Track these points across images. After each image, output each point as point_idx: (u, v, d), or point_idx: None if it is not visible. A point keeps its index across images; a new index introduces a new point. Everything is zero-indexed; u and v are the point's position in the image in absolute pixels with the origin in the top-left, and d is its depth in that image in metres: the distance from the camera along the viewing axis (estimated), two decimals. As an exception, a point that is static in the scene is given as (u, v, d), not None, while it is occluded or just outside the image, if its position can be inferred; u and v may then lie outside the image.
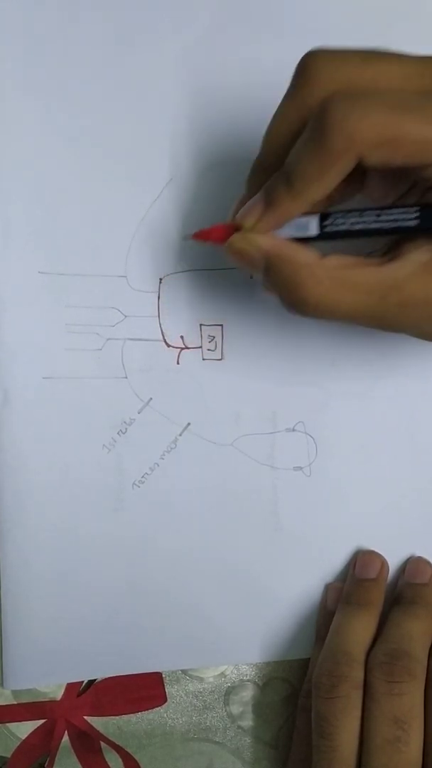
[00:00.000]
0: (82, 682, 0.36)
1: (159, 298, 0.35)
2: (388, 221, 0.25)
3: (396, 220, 0.25)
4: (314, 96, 0.25)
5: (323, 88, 0.24)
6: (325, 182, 0.24)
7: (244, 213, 0.27)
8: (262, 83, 0.36)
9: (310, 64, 0.25)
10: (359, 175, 0.26)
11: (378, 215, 0.25)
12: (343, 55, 0.25)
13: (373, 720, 0.30)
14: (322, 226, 0.26)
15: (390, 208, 0.25)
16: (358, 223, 0.26)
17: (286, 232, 0.27)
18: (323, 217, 0.26)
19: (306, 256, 0.26)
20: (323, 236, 0.26)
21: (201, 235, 0.29)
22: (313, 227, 0.26)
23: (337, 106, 0.23)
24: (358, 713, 0.31)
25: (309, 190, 0.25)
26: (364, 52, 0.25)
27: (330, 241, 0.26)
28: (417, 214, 0.25)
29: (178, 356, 0.36)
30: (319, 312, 0.26)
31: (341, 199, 0.28)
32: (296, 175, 0.25)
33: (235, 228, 0.27)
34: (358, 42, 0.36)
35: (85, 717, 0.36)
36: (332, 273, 0.25)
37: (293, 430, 0.36)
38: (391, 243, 0.27)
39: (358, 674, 0.32)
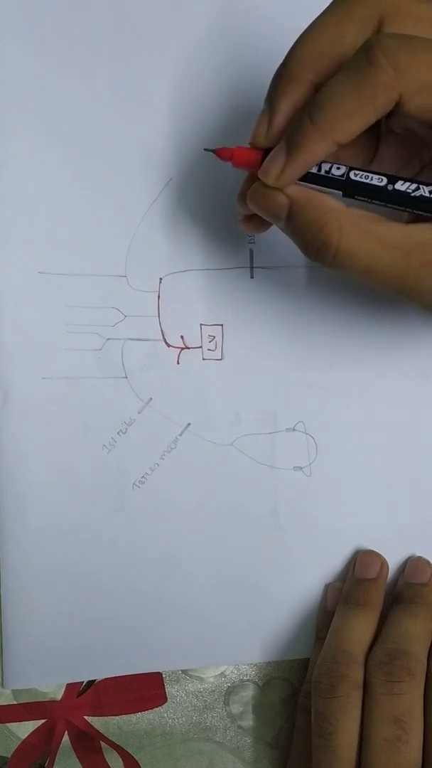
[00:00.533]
0: (82, 682, 0.36)
1: (159, 297, 0.35)
2: (415, 190, 0.25)
3: (423, 190, 0.25)
4: (367, 11, 0.24)
5: (378, 6, 0.23)
6: (358, 119, 0.23)
7: (266, 166, 0.25)
8: (263, 83, 0.36)
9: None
10: (373, 139, 0.25)
11: (403, 182, 0.25)
12: None
13: (372, 720, 0.30)
14: (348, 177, 0.25)
15: (419, 180, 0.25)
16: (382, 188, 0.25)
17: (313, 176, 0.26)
18: (348, 194, 0.25)
19: (332, 202, 0.25)
20: (347, 192, 0.25)
21: (223, 154, 0.28)
22: (342, 169, 0.25)
23: (390, 40, 0.22)
24: (358, 713, 0.31)
25: (339, 126, 0.23)
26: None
27: (352, 198, 0.26)
28: None
29: (178, 356, 0.36)
30: (339, 258, 0.25)
31: (349, 162, 0.27)
32: (328, 107, 0.23)
33: (257, 150, 0.26)
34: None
35: (86, 717, 0.36)
36: (358, 221, 0.24)
37: (293, 430, 0.36)
38: (413, 217, 0.26)
39: (358, 674, 0.32)
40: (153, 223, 0.35)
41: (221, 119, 0.36)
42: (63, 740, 0.36)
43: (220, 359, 0.36)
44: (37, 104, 0.35)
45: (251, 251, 0.35)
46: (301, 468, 0.36)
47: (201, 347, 0.36)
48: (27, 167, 0.35)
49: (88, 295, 0.35)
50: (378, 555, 0.36)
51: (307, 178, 0.26)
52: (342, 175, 0.25)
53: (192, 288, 0.35)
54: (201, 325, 0.36)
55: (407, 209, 0.26)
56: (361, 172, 0.25)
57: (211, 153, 0.28)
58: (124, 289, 0.35)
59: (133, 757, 0.36)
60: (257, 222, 0.30)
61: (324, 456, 0.36)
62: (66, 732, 0.36)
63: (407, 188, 0.25)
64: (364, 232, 0.24)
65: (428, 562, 0.36)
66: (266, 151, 0.26)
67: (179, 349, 0.36)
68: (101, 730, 0.36)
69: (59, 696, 0.36)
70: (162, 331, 0.35)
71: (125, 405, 0.35)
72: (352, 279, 0.26)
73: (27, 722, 0.36)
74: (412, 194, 0.25)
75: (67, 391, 0.35)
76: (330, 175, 0.26)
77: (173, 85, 0.35)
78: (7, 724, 0.36)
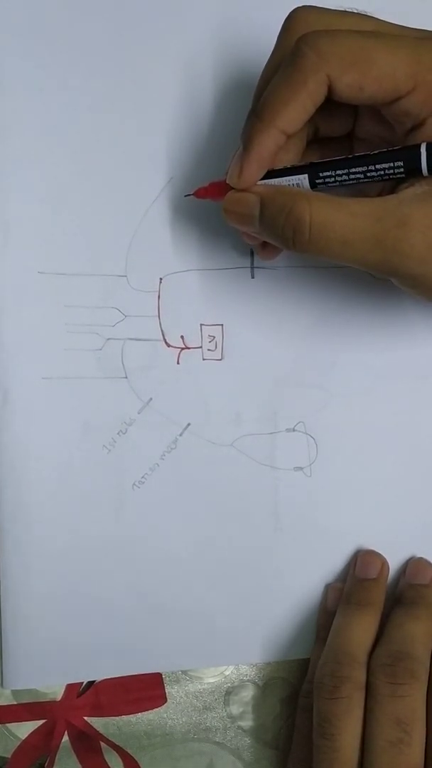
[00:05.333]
0: (82, 682, 0.36)
1: (159, 297, 0.35)
2: (373, 164, 0.26)
3: (382, 162, 0.26)
4: (294, 40, 0.26)
5: (303, 32, 0.25)
6: (295, 105, 0.25)
7: (229, 170, 0.27)
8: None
9: (293, 16, 0.27)
10: (345, 114, 0.27)
11: (365, 160, 0.26)
12: (325, 9, 0.26)
13: (375, 721, 0.30)
14: (312, 182, 0.27)
15: (372, 153, 0.26)
16: (347, 174, 0.26)
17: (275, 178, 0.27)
18: (315, 169, 0.27)
19: (299, 189, 0.26)
20: (313, 167, 0.27)
21: (200, 193, 0.30)
22: (305, 184, 0.27)
23: (311, 34, 0.24)
24: (360, 714, 0.31)
25: (280, 115, 0.25)
26: (342, 11, 0.26)
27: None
28: (403, 154, 0.25)
29: (179, 356, 0.36)
30: (314, 234, 0.25)
31: (328, 133, 0.28)
32: (266, 101, 0.25)
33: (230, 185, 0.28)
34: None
35: (85, 717, 0.36)
36: (326, 198, 0.26)
37: (294, 430, 0.36)
38: (384, 189, 0.27)
39: (360, 675, 0.32)
40: (153, 222, 0.35)
41: (222, 118, 0.35)
42: (63, 740, 0.36)
43: (220, 359, 0.36)
44: (38, 104, 0.35)
45: (252, 251, 0.35)
46: (301, 468, 0.36)
47: (201, 347, 0.36)
48: (27, 167, 0.35)
49: (89, 295, 0.35)
50: (378, 555, 0.36)
51: (273, 174, 0.27)
52: (305, 164, 0.27)
53: (192, 288, 0.35)
54: (201, 325, 0.36)
55: (375, 178, 0.26)
56: (323, 175, 0.27)
57: (191, 197, 0.31)
58: (124, 289, 0.35)
59: (133, 757, 0.36)
60: (270, 248, 0.32)
61: (324, 456, 0.36)
62: (66, 732, 0.36)
63: (369, 152, 0.26)
64: (333, 205, 0.25)
65: (429, 563, 0.36)
66: None
67: (179, 349, 0.36)
68: (101, 730, 0.36)
69: (59, 696, 0.36)
70: (162, 331, 0.35)
71: (125, 405, 0.35)
72: (333, 259, 0.26)
73: (27, 722, 0.36)
74: (374, 153, 0.26)
75: (67, 391, 0.35)
76: (293, 166, 0.27)
77: (174, 85, 0.35)
78: (7, 724, 0.36)
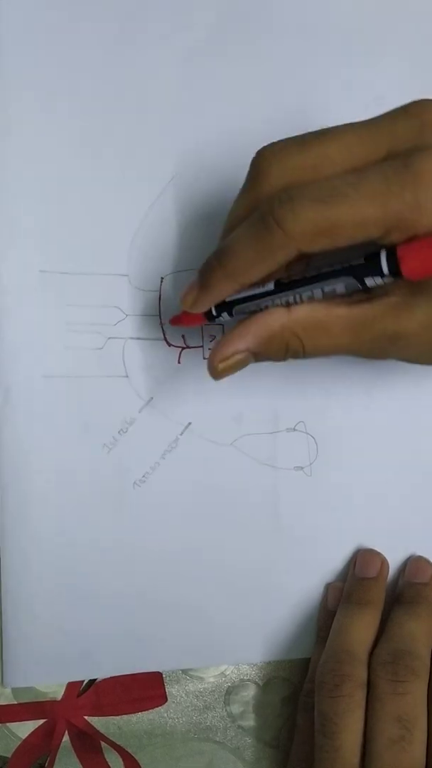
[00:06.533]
0: (83, 682, 0.36)
1: (160, 297, 0.35)
2: (337, 265, 0.26)
3: (345, 263, 0.26)
4: (263, 192, 0.26)
5: (271, 183, 0.26)
6: (260, 268, 0.26)
7: (182, 294, 0.28)
8: (265, 82, 0.36)
9: (258, 162, 0.27)
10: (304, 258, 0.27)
11: (327, 265, 0.26)
12: (285, 147, 0.26)
13: (376, 719, 0.30)
14: (277, 280, 0.27)
15: (336, 257, 0.26)
16: (310, 269, 0.27)
17: (243, 293, 0.28)
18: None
19: (280, 319, 0.27)
20: (281, 288, 0.27)
21: (174, 321, 0.32)
22: (269, 284, 0.27)
23: (277, 209, 0.24)
24: (361, 712, 0.31)
25: (245, 275, 0.26)
26: (304, 139, 0.26)
27: (289, 291, 0.27)
28: (362, 260, 0.26)
29: (180, 355, 0.36)
30: (308, 356, 0.28)
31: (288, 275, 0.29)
32: (229, 259, 0.26)
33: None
34: (358, 42, 0.36)
35: (86, 717, 0.36)
36: (305, 324, 0.27)
37: (294, 429, 0.36)
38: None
39: (362, 673, 0.32)
40: (155, 222, 0.35)
41: (223, 117, 0.36)
42: (63, 740, 0.36)
43: (222, 358, 0.36)
44: (40, 102, 0.35)
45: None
46: (302, 468, 0.36)
47: (202, 347, 0.36)
48: (29, 166, 0.35)
49: (90, 294, 0.35)
50: (378, 554, 0.36)
51: (244, 300, 0.28)
52: (273, 284, 0.27)
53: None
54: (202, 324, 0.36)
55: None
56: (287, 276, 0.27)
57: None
58: (125, 288, 0.35)
59: (133, 757, 0.36)
60: None
61: (325, 456, 0.36)
62: (66, 732, 0.36)
63: (333, 267, 0.26)
64: (313, 332, 0.27)
65: (429, 562, 0.36)
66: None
67: (180, 349, 0.36)
68: (101, 730, 0.36)
69: (59, 696, 0.36)
70: (163, 330, 0.35)
71: (126, 404, 0.35)
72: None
73: (27, 722, 0.36)
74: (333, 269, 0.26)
75: (68, 389, 0.35)
76: (261, 290, 0.28)
77: (176, 84, 0.35)
78: (7, 724, 0.36)
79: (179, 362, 0.36)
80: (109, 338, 0.35)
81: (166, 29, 0.35)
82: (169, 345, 0.35)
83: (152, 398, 0.35)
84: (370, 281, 0.26)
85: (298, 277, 0.27)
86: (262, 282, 0.27)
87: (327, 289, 0.27)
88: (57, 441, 0.35)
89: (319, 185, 0.25)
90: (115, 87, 0.35)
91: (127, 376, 0.35)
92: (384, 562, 0.36)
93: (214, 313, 0.29)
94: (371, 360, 0.28)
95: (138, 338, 0.35)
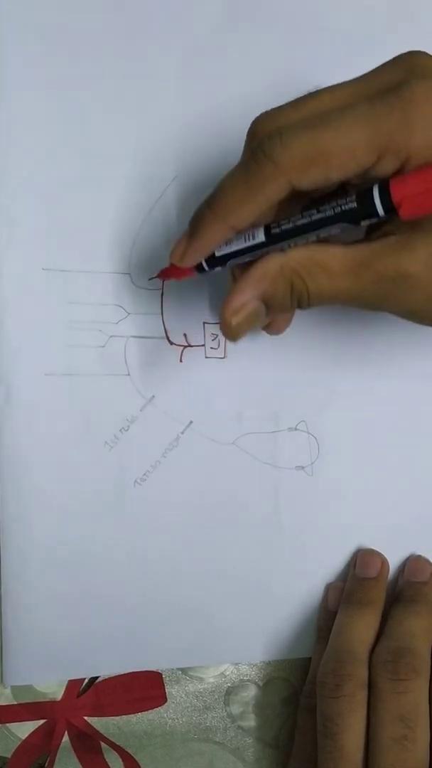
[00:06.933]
0: (83, 682, 0.36)
1: (162, 295, 0.35)
2: (330, 209, 0.25)
3: (337, 207, 0.25)
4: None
5: (264, 133, 0.25)
6: (250, 206, 0.25)
7: (171, 248, 0.28)
8: (266, 82, 0.36)
9: (253, 127, 0.26)
10: (297, 199, 0.27)
11: (318, 208, 0.25)
12: (279, 109, 0.26)
13: (378, 719, 0.30)
14: (268, 231, 0.26)
15: (328, 201, 0.25)
16: (302, 218, 0.26)
17: (234, 245, 0.27)
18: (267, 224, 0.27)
19: (275, 258, 0.26)
20: (273, 240, 0.26)
21: (162, 275, 0.31)
22: (259, 234, 0.27)
23: (266, 142, 0.24)
24: (363, 712, 0.31)
25: (235, 213, 0.25)
26: (297, 100, 0.26)
27: (281, 242, 0.26)
28: (354, 197, 0.25)
29: (181, 354, 0.36)
30: (313, 302, 0.26)
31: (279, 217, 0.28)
32: (218, 200, 0.26)
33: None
34: (360, 42, 0.36)
35: (86, 717, 0.36)
36: (303, 262, 0.26)
37: (295, 429, 0.36)
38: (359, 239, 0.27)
39: (363, 673, 0.32)
40: (157, 220, 0.35)
41: (226, 117, 0.36)
42: (63, 740, 0.35)
43: (223, 357, 0.36)
44: (42, 101, 0.35)
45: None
46: (302, 467, 0.36)
47: (204, 345, 0.36)
48: (32, 164, 0.35)
49: (92, 292, 0.35)
50: (378, 554, 0.36)
51: (236, 254, 0.27)
52: (264, 236, 0.27)
53: (195, 286, 0.35)
54: (204, 323, 0.36)
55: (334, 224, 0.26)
56: (276, 224, 0.26)
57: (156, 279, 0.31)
58: (127, 286, 0.35)
59: (133, 757, 0.36)
60: (277, 322, 0.32)
61: (326, 455, 0.36)
62: (66, 732, 0.35)
63: (325, 213, 0.25)
64: (316, 269, 0.26)
65: (428, 561, 0.36)
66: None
67: (182, 347, 0.36)
68: (101, 730, 0.36)
69: (59, 696, 0.36)
70: (165, 328, 0.35)
71: (127, 402, 0.35)
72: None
73: (27, 722, 0.35)
74: (325, 216, 0.25)
75: (70, 387, 0.35)
76: (252, 242, 0.27)
77: (178, 83, 0.35)
78: (7, 724, 0.35)
79: (181, 361, 0.36)
80: (111, 336, 0.35)
81: (168, 28, 0.35)
82: (171, 343, 0.35)
83: (153, 396, 0.35)
84: (365, 223, 0.25)
85: (289, 226, 0.26)
86: (254, 227, 0.27)
87: (322, 235, 0.26)
88: (58, 439, 0.35)
89: (308, 116, 0.24)
90: (116, 86, 0.35)
91: (128, 375, 0.35)
92: (384, 562, 0.36)
93: (205, 267, 0.28)
94: (376, 312, 0.27)
95: (140, 336, 0.35)
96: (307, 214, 0.26)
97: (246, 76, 0.36)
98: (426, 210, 0.23)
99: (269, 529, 0.36)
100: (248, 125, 0.35)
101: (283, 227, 0.26)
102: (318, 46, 0.36)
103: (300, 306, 0.27)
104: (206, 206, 0.26)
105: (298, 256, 0.26)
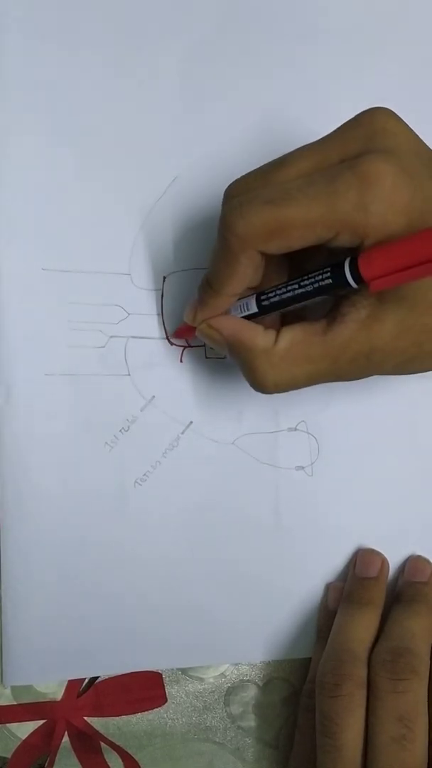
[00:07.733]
0: (82, 682, 0.36)
1: (162, 296, 0.35)
2: (309, 285, 0.27)
3: (315, 282, 0.27)
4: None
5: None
6: (237, 278, 0.27)
7: (185, 310, 0.31)
8: (267, 83, 0.36)
9: (226, 192, 0.28)
10: (279, 261, 0.29)
11: (299, 284, 0.27)
12: (248, 177, 0.28)
13: (377, 718, 0.30)
14: (259, 302, 0.29)
15: (307, 275, 0.27)
16: (286, 292, 0.28)
17: (234, 313, 0.30)
18: (260, 294, 0.29)
19: (262, 340, 0.28)
20: (264, 311, 0.29)
21: (177, 334, 0.34)
22: (252, 306, 0.29)
23: (229, 219, 0.26)
24: (362, 712, 0.31)
25: (226, 286, 0.28)
26: (266, 167, 0.27)
27: (273, 312, 0.29)
28: (329, 273, 0.26)
29: (181, 354, 0.36)
30: (279, 389, 0.28)
31: (273, 279, 0.30)
32: (213, 276, 0.28)
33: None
34: (358, 43, 0.36)
35: (85, 717, 0.36)
36: (285, 354, 0.28)
37: (295, 429, 0.36)
38: (331, 304, 0.28)
39: (362, 672, 0.32)
40: (157, 221, 0.35)
41: (226, 117, 0.36)
42: (63, 740, 0.35)
43: (223, 358, 0.36)
44: (42, 101, 0.35)
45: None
46: (302, 467, 0.36)
47: (204, 346, 0.36)
48: (32, 164, 0.35)
49: (92, 293, 0.35)
50: (378, 553, 0.36)
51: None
52: (256, 306, 0.29)
53: (195, 286, 0.35)
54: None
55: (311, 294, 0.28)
56: (266, 296, 0.29)
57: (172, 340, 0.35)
58: (127, 287, 0.35)
59: (133, 757, 0.36)
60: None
61: (326, 455, 0.36)
62: (66, 732, 0.35)
63: (305, 288, 0.27)
64: (292, 362, 0.28)
65: (428, 561, 0.36)
66: None
67: (182, 348, 0.36)
68: (101, 730, 0.36)
69: (59, 696, 0.36)
70: (165, 329, 0.35)
71: (128, 403, 0.35)
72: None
73: (27, 722, 0.35)
74: (306, 291, 0.27)
75: (70, 388, 0.35)
76: (247, 313, 0.30)
77: (179, 83, 0.36)
78: (7, 725, 0.35)
79: (181, 361, 0.36)
80: (111, 337, 0.35)
81: (167, 30, 0.35)
82: (171, 344, 0.35)
83: (154, 397, 0.35)
84: (342, 293, 0.27)
85: (276, 299, 0.28)
86: (251, 290, 0.29)
87: (306, 304, 0.28)
88: (58, 439, 0.35)
89: (269, 189, 0.26)
90: (117, 86, 0.35)
91: (128, 375, 0.35)
92: (384, 562, 0.36)
93: None
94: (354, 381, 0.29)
95: (140, 337, 0.35)
96: (291, 288, 0.28)
97: (246, 76, 0.36)
98: (393, 284, 0.25)
99: (269, 529, 0.36)
100: (248, 125, 0.36)
101: (272, 300, 0.29)
102: (318, 47, 0.36)
103: (265, 393, 0.29)
104: (205, 280, 0.29)
105: (282, 343, 0.28)
